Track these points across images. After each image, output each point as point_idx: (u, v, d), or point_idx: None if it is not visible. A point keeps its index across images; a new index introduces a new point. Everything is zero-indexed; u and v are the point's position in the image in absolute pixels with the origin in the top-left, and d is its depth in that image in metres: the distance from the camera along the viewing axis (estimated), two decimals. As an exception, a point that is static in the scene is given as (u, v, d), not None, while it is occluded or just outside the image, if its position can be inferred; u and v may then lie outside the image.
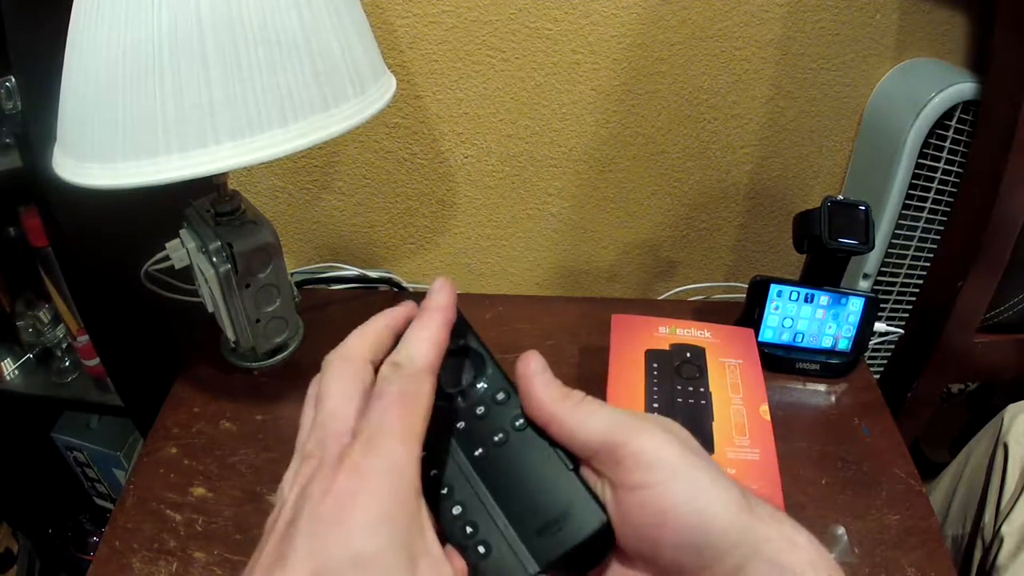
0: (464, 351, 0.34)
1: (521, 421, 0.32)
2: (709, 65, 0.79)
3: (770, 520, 0.28)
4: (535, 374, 0.31)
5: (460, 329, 0.33)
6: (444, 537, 0.30)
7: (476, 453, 0.32)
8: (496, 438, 0.32)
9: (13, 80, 0.58)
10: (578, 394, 0.31)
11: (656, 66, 0.79)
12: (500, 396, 0.33)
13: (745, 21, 0.77)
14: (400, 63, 0.78)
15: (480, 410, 0.33)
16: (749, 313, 0.67)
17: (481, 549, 0.30)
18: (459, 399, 0.33)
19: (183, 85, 0.43)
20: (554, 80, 0.80)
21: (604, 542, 0.29)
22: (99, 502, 1.05)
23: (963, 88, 0.74)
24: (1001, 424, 0.73)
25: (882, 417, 0.63)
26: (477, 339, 0.34)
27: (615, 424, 0.29)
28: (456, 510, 0.31)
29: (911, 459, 0.59)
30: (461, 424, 0.32)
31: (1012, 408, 0.73)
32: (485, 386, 0.33)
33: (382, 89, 0.54)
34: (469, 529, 0.30)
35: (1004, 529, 0.65)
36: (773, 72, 0.80)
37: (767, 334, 0.67)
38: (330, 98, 0.48)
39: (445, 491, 0.31)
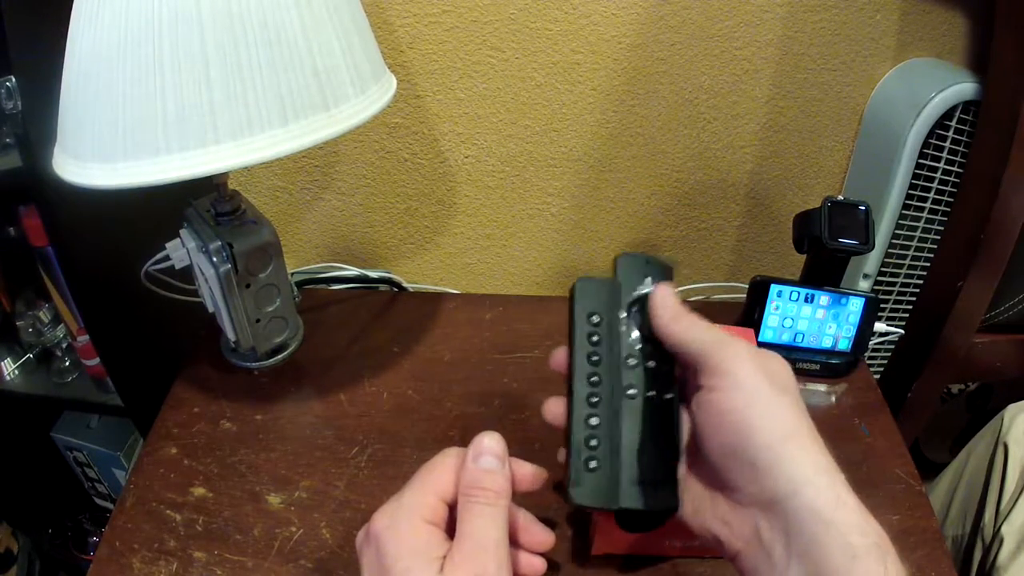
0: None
1: (669, 395, 0.38)
2: (709, 65, 0.79)
3: (825, 471, 0.31)
4: (659, 306, 0.38)
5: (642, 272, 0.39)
6: (567, 432, 0.37)
7: (630, 392, 0.38)
8: (650, 393, 0.38)
9: (13, 80, 0.58)
10: (689, 315, 0.37)
11: (656, 66, 0.79)
12: (665, 366, 0.39)
13: (745, 21, 0.77)
14: (400, 63, 0.78)
15: (651, 364, 0.38)
16: (749, 313, 0.67)
17: (593, 464, 0.37)
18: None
19: (183, 85, 0.43)
20: (554, 80, 0.80)
21: (665, 518, 0.37)
22: (99, 502, 1.05)
23: (963, 88, 0.74)
24: (1001, 424, 0.73)
25: (882, 417, 0.63)
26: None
27: (711, 340, 0.35)
28: (594, 421, 0.37)
29: (911, 459, 0.59)
30: (632, 361, 0.39)
31: (1012, 408, 0.73)
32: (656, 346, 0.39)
33: (383, 89, 0.54)
34: (594, 442, 0.37)
35: (1004, 529, 0.65)
36: (773, 72, 0.80)
37: (767, 334, 0.67)
38: (330, 98, 0.48)
39: (596, 400, 0.38)
